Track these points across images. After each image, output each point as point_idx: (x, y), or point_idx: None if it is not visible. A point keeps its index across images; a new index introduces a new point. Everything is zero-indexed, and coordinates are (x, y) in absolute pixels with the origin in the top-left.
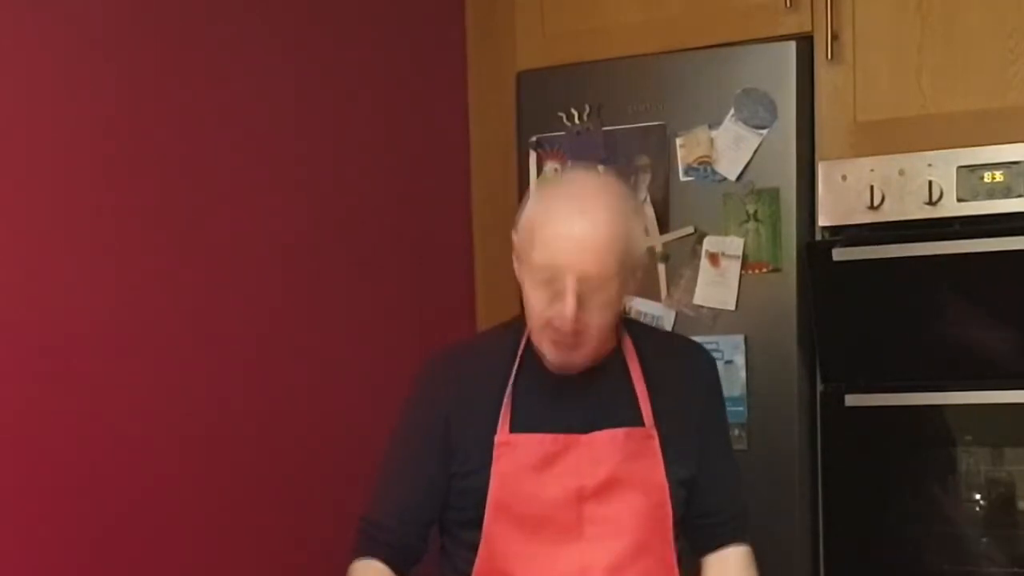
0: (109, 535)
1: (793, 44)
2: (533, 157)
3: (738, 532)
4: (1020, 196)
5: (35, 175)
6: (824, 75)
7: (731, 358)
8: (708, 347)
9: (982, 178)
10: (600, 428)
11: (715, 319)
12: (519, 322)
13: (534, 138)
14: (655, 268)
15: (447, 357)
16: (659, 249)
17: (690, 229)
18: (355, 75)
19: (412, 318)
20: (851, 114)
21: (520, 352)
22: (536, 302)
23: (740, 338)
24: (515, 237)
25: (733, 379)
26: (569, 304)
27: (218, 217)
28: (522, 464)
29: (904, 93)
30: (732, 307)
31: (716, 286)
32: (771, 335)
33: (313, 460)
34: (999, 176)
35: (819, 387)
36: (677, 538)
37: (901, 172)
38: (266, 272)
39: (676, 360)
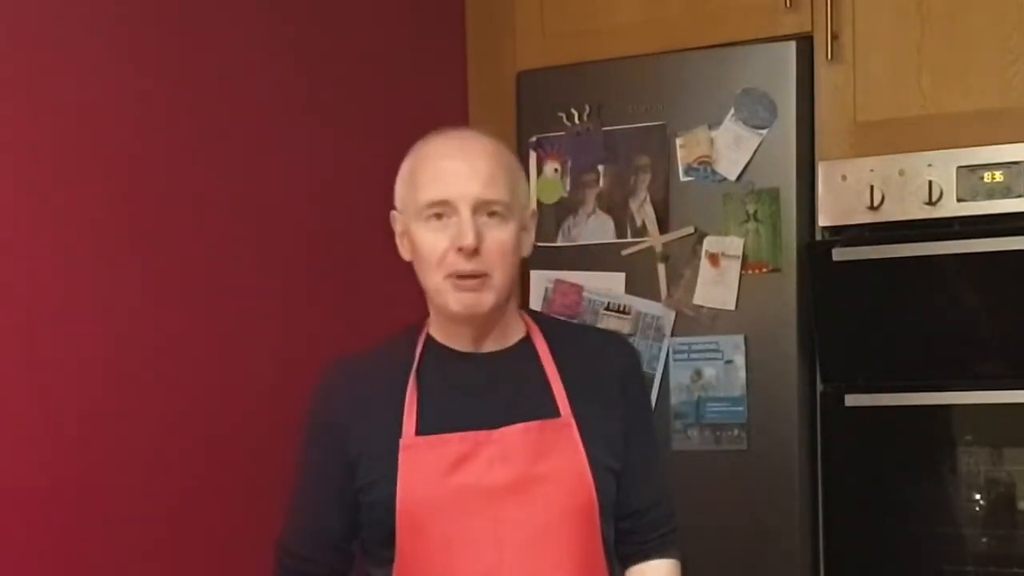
0: (107, 536)
1: (793, 44)
2: (533, 157)
3: (664, 542)
4: (1020, 196)
5: (34, 174)
6: (824, 75)
7: (731, 358)
8: (708, 347)
9: (982, 178)
10: (513, 422)
11: (715, 319)
12: (414, 325)
13: (534, 138)
14: (655, 268)
15: (340, 366)
16: (659, 249)
17: (690, 229)
18: (355, 75)
19: (412, 317)
20: (851, 114)
21: (419, 351)
22: (432, 244)
23: (740, 338)
24: (394, 213)
25: (733, 379)
26: (466, 228)
27: (218, 217)
28: (430, 468)
29: (904, 93)
30: (732, 307)
31: (716, 286)
32: (771, 335)
33: None
34: (999, 176)
35: (819, 387)
36: (608, 534)
37: (901, 172)
38: (265, 271)
39: (589, 349)
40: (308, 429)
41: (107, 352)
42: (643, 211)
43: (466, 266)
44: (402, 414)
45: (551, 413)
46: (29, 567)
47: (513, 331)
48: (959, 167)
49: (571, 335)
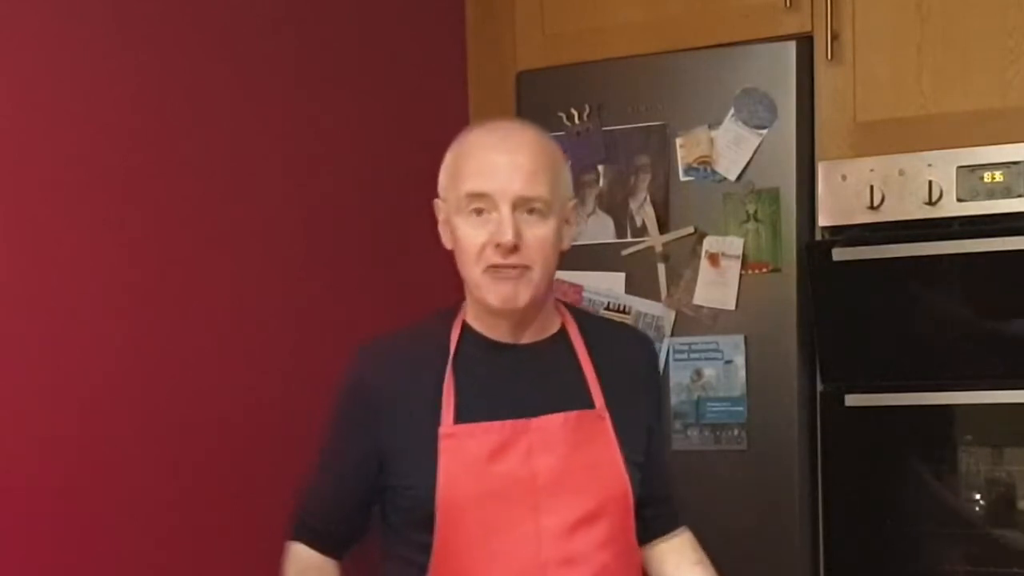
0: (112, 535)
1: (793, 44)
2: None
3: (681, 519)
4: (1020, 196)
5: (33, 174)
6: (824, 75)
7: (731, 358)
8: (708, 347)
9: (982, 178)
10: (549, 412)
11: (715, 319)
12: (450, 308)
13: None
14: (655, 268)
15: (374, 350)
16: (659, 249)
17: (690, 229)
18: (355, 75)
19: (412, 318)
20: (851, 114)
21: (455, 338)
22: (472, 238)
23: (740, 338)
24: (437, 201)
25: (733, 379)
26: (505, 225)
27: (219, 216)
28: (469, 457)
29: (904, 93)
30: (732, 307)
31: (716, 286)
32: (771, 335)
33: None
34: (999, 176)
35: (819, 387)
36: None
37: (901, 172)
38: (265, 271)
39: (621, 346)
40: (340, 406)
41: (111, 350)
42: (643, 211)
43: (504, 262)
44: (439, 402)
45: (586, 404)
46: (30, 567)
47: (550, 323)
48: (959, 167)
49: (602, 329)
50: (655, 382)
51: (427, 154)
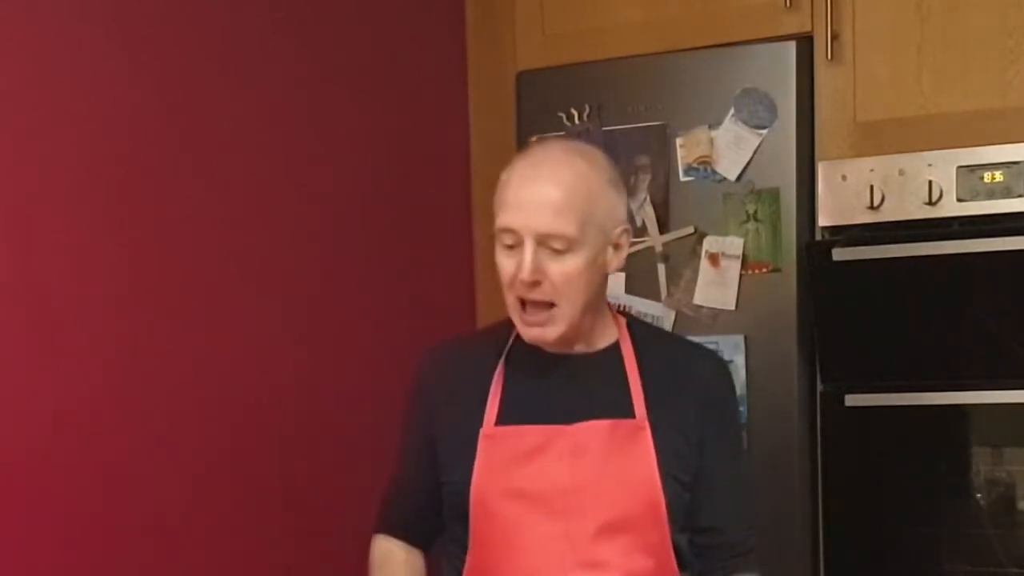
0: (109, 535)
1: (793, 44)
2: None
3: (740, 566)
4: (1020, 196)
5: (33, 174)
6: (824, 75)
7: (731, 358)
8: (708, 347)
9: (982, 178)
10: (588, 419)
11: (715, 319)
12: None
13: (534, 138)
14: (655, 268)
15: (439, 349)
16: (659, 249)
17: (690, 229)
18: (355, 75)
19: (412, 317)
20: (851, 114)
21: (510, 343)
22: (505, 268)
23: (740, 338)
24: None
25: (733, 379)
26: (526, 258)
27: (220, 216)
28: (504, 458)
29: (904, 93)
30: (732, 307)
31: (716, 286)
32: (771, 335)
33: (312, 457)
34: (999, 176)
35: (819, 387)
36: (679, 543)
37: (901, 172)
38: (266, 271)
39: (676, 359)
40: (408, 404)
41: (111, 350)
42: (643, 211)
43: (529, 294)
44: (486, 403)
45: (626, 414)
46: (30, 566)
47: (604, 336)
48: (959, 167)
49: (662, 345)
50: (720, 402)
51: (427, 154)
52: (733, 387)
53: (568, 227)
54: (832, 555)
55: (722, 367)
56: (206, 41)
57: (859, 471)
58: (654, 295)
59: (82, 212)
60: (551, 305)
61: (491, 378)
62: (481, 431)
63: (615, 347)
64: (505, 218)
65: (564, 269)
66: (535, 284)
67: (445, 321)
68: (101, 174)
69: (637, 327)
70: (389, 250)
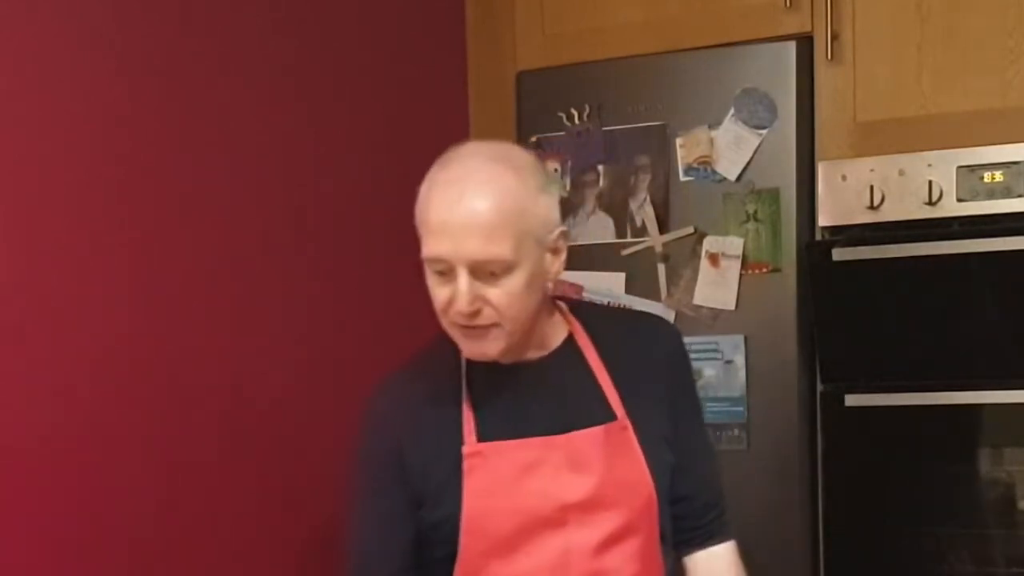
0: (108, 535)
1: (793, 44)
2: None
3: (721, 525)
4: (1020, 196)
5: (33, 174)
6: (824, 75)
7: (731, 358)
8: (708, 347)
9: (982, 178)
10: (575, 427)
11: (715, 319)
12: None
13: (534, 138)
14: (655, 268)
15: (382, 389)
16: (659, 249)
17: (690, 229)
18: (356, 75)
19: (412, 317)
20: (851, 114)
21: (464, 361)
22: (436, 294)
23: (740, 338)
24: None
25: (733, 379)
26: (460, 289)
27: (220, 216)
28: (498, 476)
29: (904, 93)
30: (732, 307)
31: (716, 286)
32: (771, 335)
33: (313, 457)
34: (999, 176)
35: (819, 387)
36: (664, 526)
37: (901, 172)
38: (266, 271)
39: (634, 339)
40: (360, 466)
41: (111, 350)
42: (643, 211)
43: (470, 322)
44: (458, 426)
45: (608, 416)
46: (30, 566)
47: (554, 335)
48: (959, 167)
49: (614, 325)
50: (682, 371)
51: (427, 154)
52: (686, 350)
53: (502, 250)
54: (832, 555)
55: (673, 332)
56: (206, 41)
57: (859, 471)
58: (654, 295)
59: (82, 212)
60: (492, 325)
61: (455, 400)
62: (464, 451)
63: (569, 342)
64: (433, 246)
65: (504, 291)
66: (475, 314)
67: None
68: (101, 174)
69: (581, 311)
70: (389, 250)
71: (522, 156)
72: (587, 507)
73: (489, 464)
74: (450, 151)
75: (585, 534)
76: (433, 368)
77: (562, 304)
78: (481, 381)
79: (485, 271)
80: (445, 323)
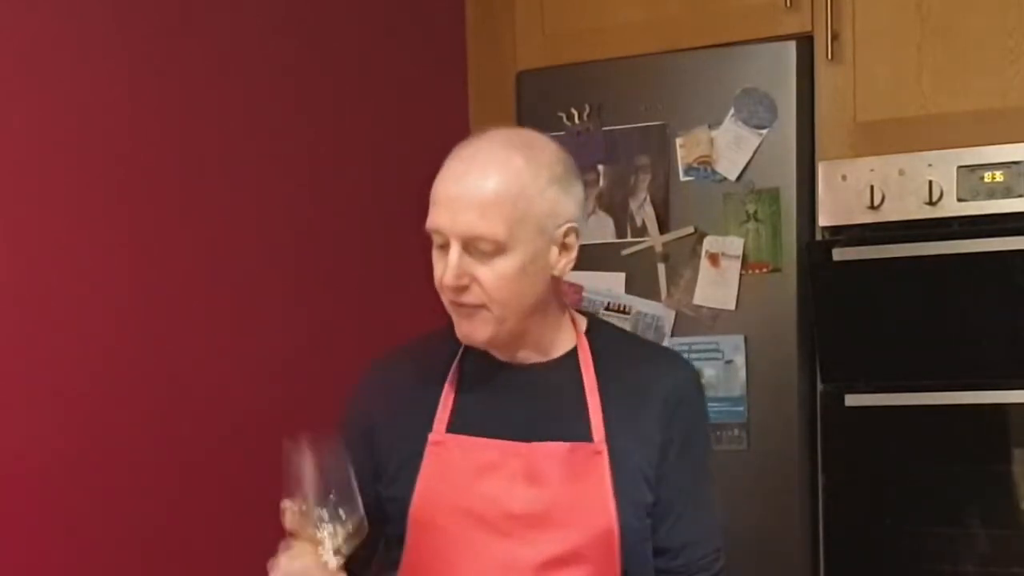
0: (109, 535)
1: (793, 44)
2: None
3: None
4: (1020, 196)
5: (33, 174)
6: (824, 75)
7: (731, 358)
8: (708, 347)
9: (982, 178)
10: (545, 439)
11: (715, 319)
12: None
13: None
14: (655, 268)
15: (378, 363)
16: (659, 249)
17: (690, 229)
18: (356, 75)
19: (412, 317)
20: (851, 114)
21: (460, 350)
22: (437, 270)
23: (740, 338)
24: None
25: (733, 379)
26: (451, 261)
27: (220, 216)
28: (454, 470)
29: (904, 93)
30: (732, 307)
31: (716, 286)
32: (771, 335)
33: None
34: (999, 176)
35: (819, 387)
36: (634, 570)
37: (901, 172)
38: (266, 271)
39: (639, 369)
40: (341, 426)
41: (111, 350)
42: (643, 211)
43: (458, 298)
44: (435, 412)
45: (583, 436)
46: (30, 566)
47: (558, 343)
48: (959, 167)
49: (625, 352)
50: (686, 413)
51: (427, 154)
52: (702, 399)
53: (495, 229)
54: (832, 555)
55: (689, 376)
56: (206, 41)
57: (859, 471)
58: (654, 295)
59: (82, 212)
60: (479, 307)
61: (439, 386)
62: (429, 437)
63: (573, 355)
64: (433, 217)
65: (494, 272)
66: (462, 288)
67: (446, 320)
68: (101, 174)
69: (597, 331)
70: (389, 250)
71: (546, 148)
72: (533, 523)
73: (447, 456)
74: (478, 132)
75: (528, 551)
76: (430, 351)
77: (580, 317)
78: (472, 373)
79: (477, 248)
80: (445, 300)
